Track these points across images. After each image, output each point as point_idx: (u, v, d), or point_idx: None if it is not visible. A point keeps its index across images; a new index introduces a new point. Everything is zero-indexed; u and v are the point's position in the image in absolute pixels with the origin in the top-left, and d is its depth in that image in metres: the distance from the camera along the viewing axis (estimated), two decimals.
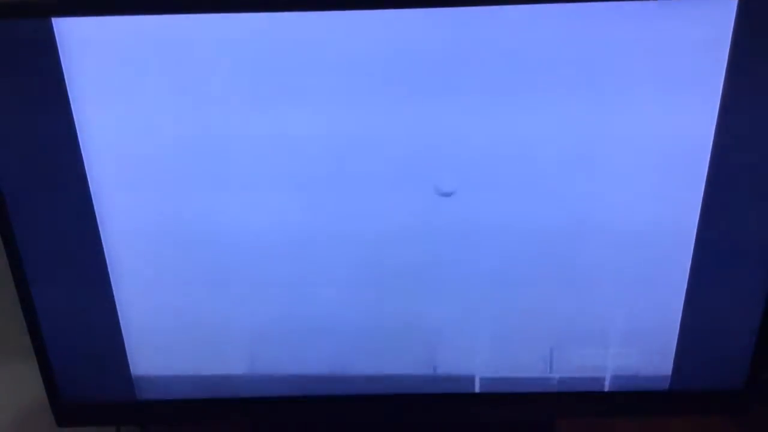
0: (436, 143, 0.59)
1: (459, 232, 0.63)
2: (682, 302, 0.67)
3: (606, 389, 0.72)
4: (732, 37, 0.54)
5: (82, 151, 0.59)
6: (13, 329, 0.74)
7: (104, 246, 0.63)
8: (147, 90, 0.57)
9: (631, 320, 0.67)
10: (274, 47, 0.55)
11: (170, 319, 0.68)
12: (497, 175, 0.60)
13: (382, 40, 0.55)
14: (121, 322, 0.67)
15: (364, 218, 0.62)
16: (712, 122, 0.58)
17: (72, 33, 0.55)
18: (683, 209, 0.62)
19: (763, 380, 0.70)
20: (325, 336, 0.67)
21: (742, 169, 0.60)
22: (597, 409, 0.74)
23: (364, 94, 0.57)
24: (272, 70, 0.56)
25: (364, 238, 0.63)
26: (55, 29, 0.55)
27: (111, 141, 0.59)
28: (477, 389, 0.71)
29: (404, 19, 0.54)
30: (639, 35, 0.55)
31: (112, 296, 0.66)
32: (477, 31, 0.55)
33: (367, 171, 0.60)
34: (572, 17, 0.54)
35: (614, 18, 0.54)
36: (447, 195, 0.61)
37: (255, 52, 0.55)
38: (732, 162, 0.60)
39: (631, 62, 0.55)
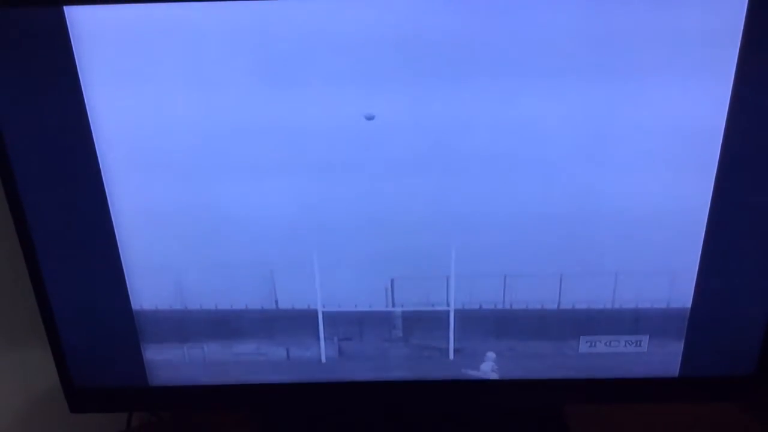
0: (448, 126, 0.60)
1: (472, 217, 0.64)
2: (693, 288, 0.66)
3: (614, 376, 0.71)
4: (745, 21, 0.55)
5: (94, 137, 0.60)
6: (26, 316, 0.75)
7: (115, 230, 0.64)
8: (157, 77, 0.58)
9: (640, 306, 0.67)
10: (280, 32, 0.56)
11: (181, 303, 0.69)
12: (507, 163, 0.61)
13: (393, 24, 0.56)
14: (133, 307, 0.68)
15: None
16: (725, 106, 0.58)
17: (83, 21, 0.56)
18: (695, 194, 0.62)
19: None
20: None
21: (753, 154, 0.60)
22: (605, 396, 0.73)
23: (375, 77, 0.58)
24: (279, 54, 0.57)
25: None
26: (66, 17, 0.56)
27: (122, 127, 0.60)
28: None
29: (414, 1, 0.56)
30: (653, 18, 0.55)
31: (125, 281, 0.67)
32: (491, 16, 0.56)
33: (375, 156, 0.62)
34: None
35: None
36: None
37: (263, 37, 0.57)
38: (744, 146, 0.60)
39: (645, 45, 0.56)
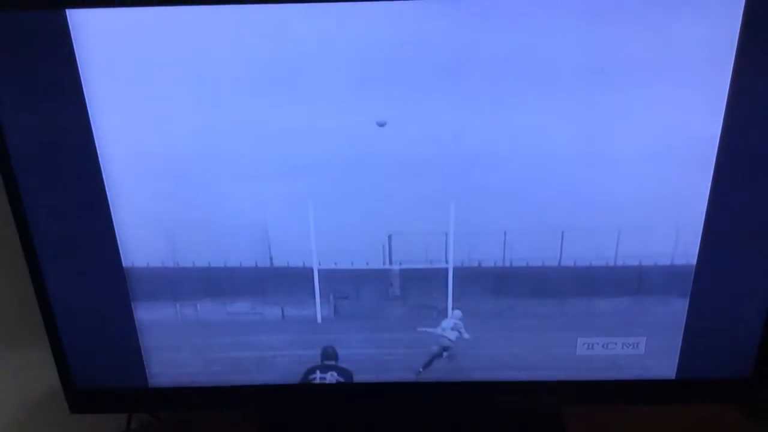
0: (447, 133, 0.61)
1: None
2: (689, 291, 0.66)
3: (612, 378, 0.71)
4: (740, 27, 0.56)
5: (96, 141, 0.61)
6: (27, 317, 0.74)
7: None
8: (158, 80, 0.58)
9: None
10: (281, 38, 0.57)
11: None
12: (507, 161, 0.62)
13: (392, 33, 0.57)
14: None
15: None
16: (720, 112, 0.59)
17: (85, 24, 0.57)
18: (691, 197, 0.62)
19: None
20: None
21: (749, 157, 0.61)
22: (603, 398, 0.73)
23: (375, 85, 0.59)
24: (276, 59, 0.58)
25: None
26: (69, 20, 0.56)
27: (123, 131, 0.61)
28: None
29: (413, 11, 0.56)
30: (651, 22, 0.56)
31: (125, 281, 0.67)
32: (491, 26, 0.57)
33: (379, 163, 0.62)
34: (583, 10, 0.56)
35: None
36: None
37: (262, 42, 0.57)
38: (739, 150, 0.60)
39: (642, 50, 0.57)
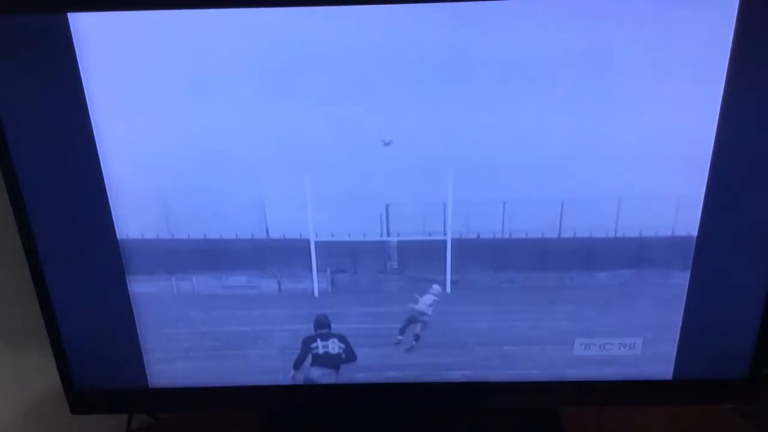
0: (449, 134, 0.61)
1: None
2: (686, 292, 0.66)
3: (609, 378, 0.72)
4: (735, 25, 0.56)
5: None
6: (28, 319, 0.74)
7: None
8: (160, 84, 0.59)
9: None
10: (283, 42, 0.58)
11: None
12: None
13: (394, 35, 0.58)
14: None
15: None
16: (715, 114, 0.59)
17: (87, 27, 0.57)
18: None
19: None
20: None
21: (744, 157, 0.61)
22: (600, 398, 0.73)
23: (375, 87, 0.59)
24: (280, 64, 0.59)
25: None
26: (70, 23, 0.57)
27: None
28: None
29: (414, 14, 0.57)
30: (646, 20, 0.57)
31: (125, 284, 0.67)
32: (490, 29, 0.57)
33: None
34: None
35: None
36: None
37: (264, 45, 0.58)
38: (734, 151, 0.61)
39: (637, 48, 0.58)
